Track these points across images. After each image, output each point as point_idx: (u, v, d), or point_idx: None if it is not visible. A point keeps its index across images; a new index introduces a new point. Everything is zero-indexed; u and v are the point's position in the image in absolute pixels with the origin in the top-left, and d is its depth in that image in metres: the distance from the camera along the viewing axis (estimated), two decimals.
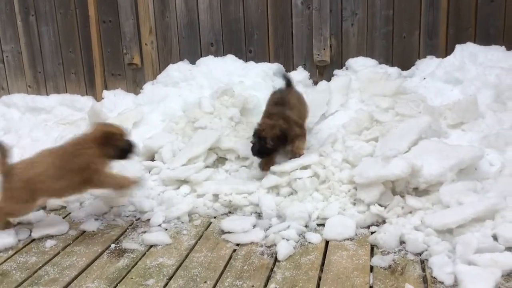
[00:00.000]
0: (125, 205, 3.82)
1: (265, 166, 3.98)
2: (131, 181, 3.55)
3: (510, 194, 3.24)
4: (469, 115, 4.13)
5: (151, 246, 3.29)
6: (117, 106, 5.41)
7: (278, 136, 3.84)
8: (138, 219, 3.69)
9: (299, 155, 3.96)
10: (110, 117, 5.00)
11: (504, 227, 2.96)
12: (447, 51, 4.89)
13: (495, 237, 2.95)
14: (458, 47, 4.75)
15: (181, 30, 5.60)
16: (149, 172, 4.24)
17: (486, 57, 4.58)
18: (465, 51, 4.66)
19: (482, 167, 3.56)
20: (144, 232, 3.46)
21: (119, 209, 3.80)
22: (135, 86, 5.80)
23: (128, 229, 3.56)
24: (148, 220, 3.64)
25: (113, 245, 3.34)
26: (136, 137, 4.69)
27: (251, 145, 3.95)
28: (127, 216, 3.74)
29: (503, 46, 4.71)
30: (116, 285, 2.87)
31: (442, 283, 2.69)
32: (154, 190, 3.94)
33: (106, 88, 5.88)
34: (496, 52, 4.61)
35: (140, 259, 3.15)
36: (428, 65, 4.85)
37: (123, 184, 3.53)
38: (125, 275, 2.96)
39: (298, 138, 4.01)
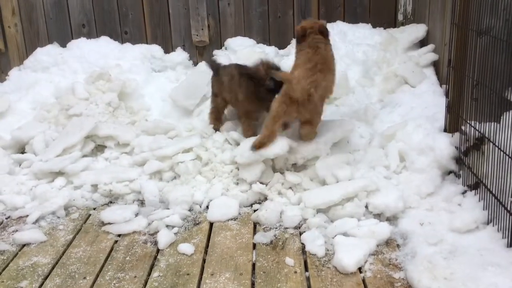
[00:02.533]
0: None
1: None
2: None
3: (378, 164, 3.48)
4: (341, 91, 4.34)
5: (23, 246, 3.06)
6: None
7: None
8: (8, 217, 3.41)
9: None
10: None
11: (373, 195, 3.18)
12: None
13: (367, 206, 3.17)
14: (329, 26, 4.93)
15: (48, 11, 5.22)
16: (20, 165, 3.94)
17: (354, 34, 4.83)
18: (335, 29, 4.86)
19: (353, 140, 3.77)
20: (16, 231, 3.21)
21: None
22: None
23: None
24: (20, 217, 3.38)
25: None
26: (2, 128, 4.37)
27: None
28: None
29: (369, 24, 4.99)
30: None
31: (315, 255, 2.84)
32: (26, 185, 3.66)
33: None
34: (363, 30, 4.88)
35: (11, 260, 2.92)
36: None
37: None
38: None
39: None
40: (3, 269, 2.83)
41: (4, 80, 5.13)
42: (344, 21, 5.02)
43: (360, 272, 2.68)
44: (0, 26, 5.23)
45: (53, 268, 2.83)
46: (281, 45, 5.20)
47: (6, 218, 3.41)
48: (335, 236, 2.92)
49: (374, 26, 4.97)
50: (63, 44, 5.20)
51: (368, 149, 3.68)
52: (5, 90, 4.96)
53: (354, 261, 2.68)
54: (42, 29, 5.26)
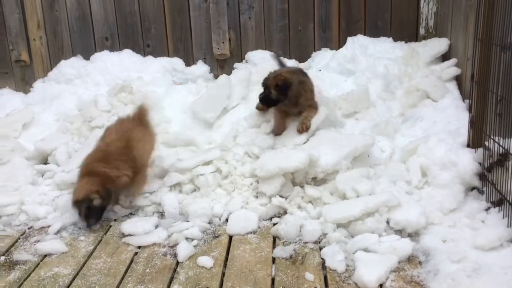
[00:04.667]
0: (15, 214, 3.56)
1: (278, 130, 4.05)
2: None
3: (399, 179, 3.45)
4: (361, 105, 4.33)
5: (45, 256, 3.09)
6: (4, 107, 5.01)
7: (279, 85, 3.88)
8: (31, 227, 3.46)
9: (306, 128, 3.91)
10: None
11: (394, 211, 3.14)
12: (339, 43, 5.08)
13: (388, 222, 3.13)
14: (349, 39, 4.95)
15: (73, 24, 5.32)
16: (42, 176, 3.99)
17: (375, 48, 4.81)
18: (356, 43, 4.86)
19: (374, 154, 3.75)
20: (38, 241, 3.25)
21: (9, 218, 3.53)
22: (24, 85, 5.43)
23: (19, 239, 3.33)
24: (42, 228, 3.42)
25: (2, 258, 3.10)
26: (26, 139, 4.44)
27: None
28: (18, 225, 3.49)
29: (391, 38, 4.98)
30: None
31: (335, 270, 2.81)
32: (48, 196, 3.70)
33: None
34: (384, 44, 4.87)
35: (33, 270, 2.96)
36: (323, 57, 5.00)
37: None
38: None
39: (310, 109, 3.99)
40: (25, 279, 2.87)
41: (29, 92, 5.23)
42: (365, 34, 5.01)
43: None
44: (26, 39, 5.35)
45: (74, 279, 2.85)
46: (302, 58, 5.20)
47: (29, 228, 3.45)
48: (356, 251, 2.89)
49: (395, 40, 4.96)
50: (87, 57, 5.29)
51: (389, 163, 3.65)
52: (30, 101, 5.05)
53: (376, 277, 2.64)
54: (66, 42, 5.36)
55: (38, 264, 3.02)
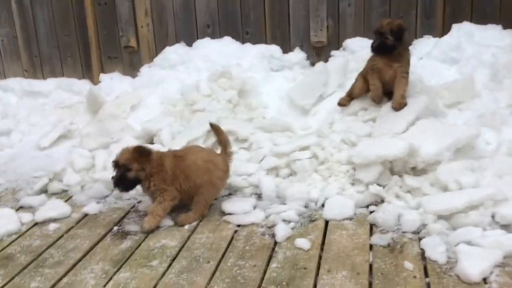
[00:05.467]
0: None
1: (378, 97, 4.07)
2: None
3: (506, 173, 3.30)
4: (466, 94, 4.16)
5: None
6: (114, 90, 5.40)
7: (395, 30, 3.82)
8: (140, 201, 3.72)
9: (402, 105, 3.89)
10: (107, 100, 5.00)
11: (500, 205, 3.02)
12: (443, 31, 4.89)
13: (493, 216, 3.02)
14: (454, 27, 4.75)
15: (177, 12, 5.57)
16: None
17: (482, 36, 4.58)
18: (461, 31, 4.66)
19: (478, 146, 3.60)
20: (145, 214, 3.48)
21: (120, 192, 3.81)
22: (132, 69, 5.78)
23: (130, 211, 3.60)
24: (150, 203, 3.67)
25: (115, 228, 3.38)
26: (134, 120, 4.76)
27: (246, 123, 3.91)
28: (128, 199, 3.77)
29: (500, 25, 4.71)
30: (121, 266, 2.92)
31: (435, 261, 2.76)
32: None
33: (103, 71, 5.86)
34: (492, 31, 4.62)
35: (143, 241, 3.19)
36: (425, 44, 4.85)
37: None
38: (129, 257, 3.01)
39: (404, 84, 3.93)
40: (136, 248, 3.10)
41: (136, 76, 5.57)
42: (471, 21, 4.78)
43: (485, 283, 2.56)
44: (134, 26, 5.69)
45: (180, 250, 3.04)
46: None
47: (138, 202, 3.72)
48: (458, 244, 2.82)
49: (504, 28, 4.68)
50: (189, 44, 5.52)
51: (495, 156, 3.50)
52: (136, 85, 5.38)
53: (479, 271, 2.57)
54: (171, 29, 5.63)
55: (147, 235, 3.25)
